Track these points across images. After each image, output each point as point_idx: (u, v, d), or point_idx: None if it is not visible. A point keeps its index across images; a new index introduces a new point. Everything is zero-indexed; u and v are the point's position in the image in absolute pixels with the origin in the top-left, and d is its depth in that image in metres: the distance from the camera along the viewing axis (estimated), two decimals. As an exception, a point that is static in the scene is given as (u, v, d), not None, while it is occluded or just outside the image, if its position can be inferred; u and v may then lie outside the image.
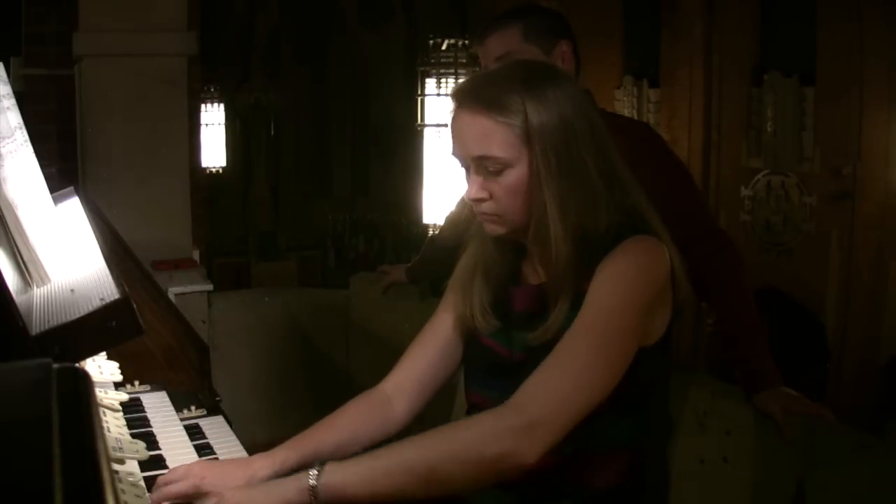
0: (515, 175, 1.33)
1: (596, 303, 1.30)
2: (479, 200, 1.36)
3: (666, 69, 7.48)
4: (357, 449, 1.43)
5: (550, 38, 1.94)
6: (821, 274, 6.17)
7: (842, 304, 6.04)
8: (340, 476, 1.21)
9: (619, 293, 1.30)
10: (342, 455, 1.37)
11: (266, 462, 1.34)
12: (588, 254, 1.33)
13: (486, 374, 1.45)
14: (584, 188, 1.33)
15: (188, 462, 1.38)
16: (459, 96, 1.37)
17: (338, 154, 10.51)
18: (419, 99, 3.66)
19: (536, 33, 1.93)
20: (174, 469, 1.32)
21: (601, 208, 1.34)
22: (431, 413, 1.55)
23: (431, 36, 4.03)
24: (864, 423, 5.19)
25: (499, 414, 1.23)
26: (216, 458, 1.49)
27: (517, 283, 1.46)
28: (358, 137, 10.45)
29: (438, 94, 3.69)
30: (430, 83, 3.83)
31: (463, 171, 1.40)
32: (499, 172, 1.33)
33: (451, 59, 3.57)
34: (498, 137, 1.32)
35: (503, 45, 1.92)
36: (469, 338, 1.50)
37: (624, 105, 7.81)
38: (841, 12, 5.84)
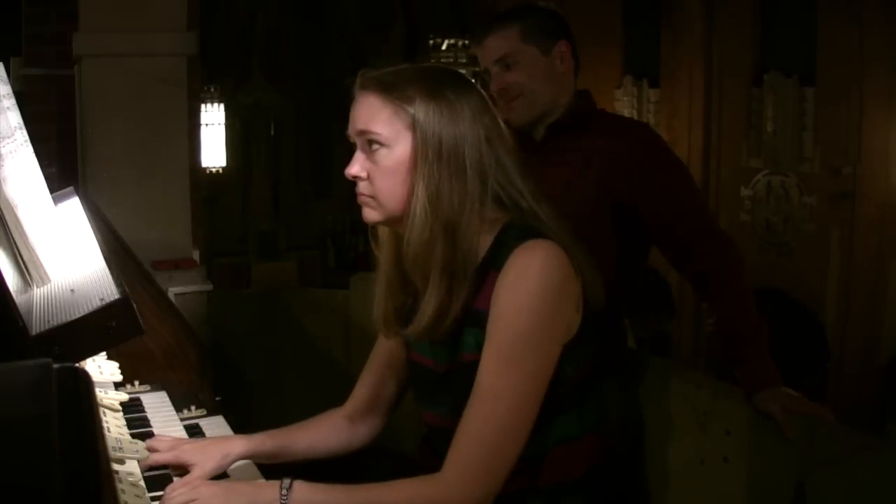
0: (391, 156, 1.33)
1: (505, 329, 1.30)
2: (356, 178, 1.37)
3: (666, 69, 7.49)
4: (324, 454, 1.55)
5: (549, 38, 1.94)
6: (821, 274, 6.18)
7: (842, 304, 6.04)
8: (307, 498, 1.28)
9: (526, 311, 1.30)
10: (313, 456, 1.52)
11: (242, 442, 1.47)
12: (463, 258, 1.33)
13: (424, 390, 1.49)
14: (459, 189, 1.33)
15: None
16: (361, 80, 1.39)
17: (338, 154, 10.51)
18: (419, 99, 3.67)
19: (535, 33, 1.93)
20: (159, 438, 1.45)
21: (474, 211, 1.33)
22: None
23: (431, 36, 4.04)
24: (864, 423, 5.19)
25: (443, 489, 1.29)
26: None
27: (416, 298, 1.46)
28: (358, 137, 10.44)
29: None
30: (430, 83, 3.84)
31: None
32: (376, 151, 1.34)
33: (451, 59, 3.57)
34: (383, 115, 1.33)
35: (502, 45, 1.92)
36: (407, 359, 1.53)
37: (624, 105, 7.81)
38: (841, 13, 5.85)
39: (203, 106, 6.57)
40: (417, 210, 1.32)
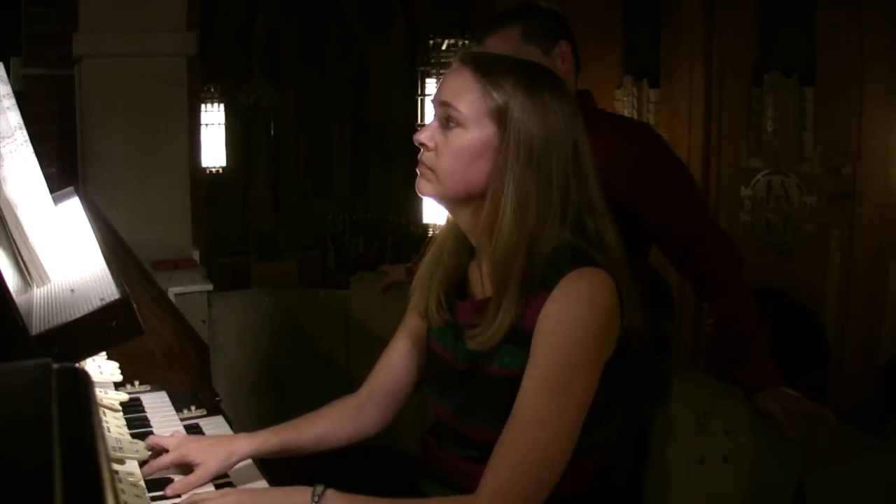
0: (465, 137, 1.31)
1: (554, 355, 1.28)
2: (423, 145, 1.35)
3: (666, 69, 7.49)
4: (334, 445, 1.53)
5: (550, 38, 1.94)
6: (821, 274, 6.18)
7: (842, 304, 6.04)
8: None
9: (575, 340, 1.28)
10: (320, 449, 1.50)
11: (247, 441, 1.45)
12: (531, 266, 1.31)
13: (439, 382, 1.47)
14: (545, 198, 1.30)
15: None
16: (463, 53, 1.38)
17: (338, 154, 10.51)
18: (419, 99, 3.66)
19: (536, 34, 1.93)
20: (166, 437, 1.44)
21: (556, 224, 1.31)
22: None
23: (431, 36, 4.04)
24: (864, 423, 5.19)
25: None
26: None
27: (463, 296, 1.46)
28: (358, 137, 10.44)
29: (438, 94, 3.69)
30: (430, 83, 3.83)
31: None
32: (452, 128, 1.32)
33: (451, 59, 3.57)
34: (470, 95, 1.31)
35: (502, 46, 1.92)
36: (426, 346, 1.52)
37: (624, 105, 7.81)
38: (841, 13, 5.84)
39: (203, 106, 6.57)
40: (507, 211, 1.29)
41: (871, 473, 1.44)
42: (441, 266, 1.46)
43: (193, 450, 1.40)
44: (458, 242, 1.45)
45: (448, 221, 1.48)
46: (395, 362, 1.57)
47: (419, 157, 1.36)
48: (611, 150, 1.87)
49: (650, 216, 1.88)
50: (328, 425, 1.53)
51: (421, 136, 1.35)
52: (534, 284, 1.30)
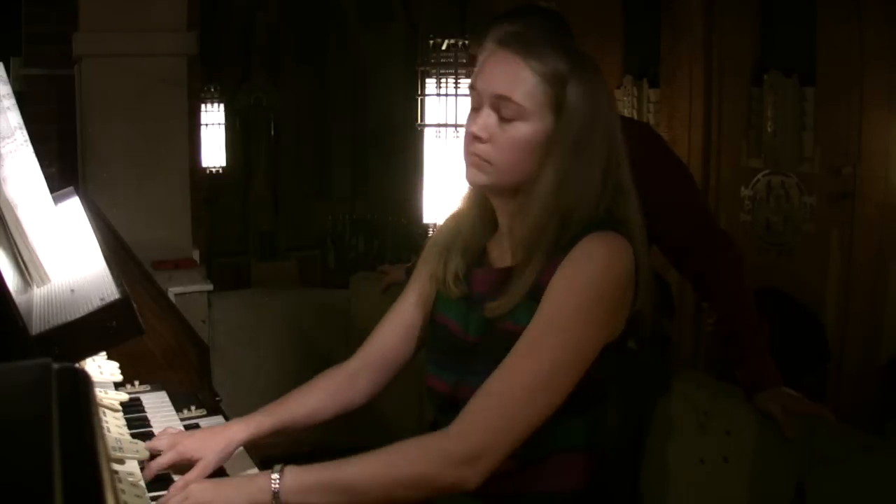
0: (525, 130, 1.30)
1: (558, 297, 1.29)
2: (477, 139, 1.32)
3: (666, 69, 7.48)
4: (326, 418, 1.51)
5: (550, 38, 1.94)
6: (821, 274, 6.17)
7: (842, 304, 6.04)
8: (299, 480, 1.25)
9: (581, 286, 1.29)
10: (313, 422, 1.49)
11: (241, 427, 1.44)
12: (558, 240, 1.32)
13: (443, 355, 1.45)
14: (585, 178, 1.31)
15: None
16: (504, 37, 1.33)
17: (338, 154, 10.50)
18: (419, 99, 3.65)
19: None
20: (159, 437, 1.42)
21: (592, 204, 1.32)
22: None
23: (431, 36, 4.03)
24: (864, 423, 5.19)
25: (444, 441, 1.25)
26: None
27: (481, 264, 1.45)
28: (358, 137, 10.44)
29: (438, 95, 3.68)
30: (430, 83, 3.82)
31: (470, 109, 1.37)
32: (510, 120, 1.30)
33: (451, 59, 3.56)
34: (527, 86, 1.29)
35: (503, 45, 1.92)
36: (430, 317, 1.51)
37: (624, 105, 7.81)
38: (841, 12, 5.84)
39: (203, 106, 6.56)
40: (541, 194, 1.29)
41: (871, 473, 1.44)
42: (460, 238, 1.45)
43: (189, 445, 1.39)
44: (482, 216, 1.44)
45: (470, 195, 1.46)
46: (394, 331, 1.55)
47: (470, 147, 1.34)
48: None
49: (650, 216, 1.87)
50: (320, 399, 1.52)
51: (476, 129, 1.32)
52: (557, 253, 1.31)
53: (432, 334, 1.50)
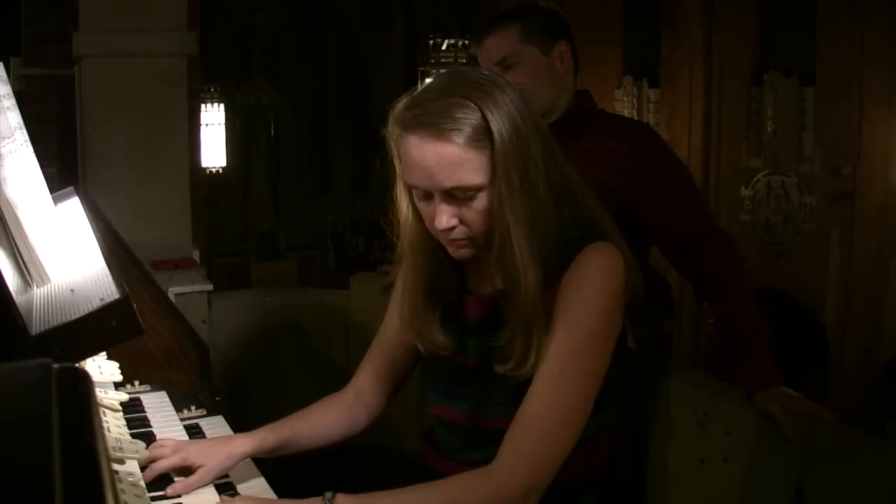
0: (487, 197, 1.30)
1: (575, 322, 1.32)
2: (451, 229, 1.33)
3: (666, 69, 7.49)
4: (327, 441, 1.54)
5: (549, 38, 1.94)
6: (821, 274, 6.18)
7: (842, 304, 6.04)
8: None
9: (594, 308, 1.32)
10: (316, 445, 1.51)
11: (245, 441, 1.45)
12: (544, 273, 1.32)
13: (446, 384, 1.47)
14: (539, 208, 1.31)
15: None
16: (410, 123, 1.31)
17: (338, 154, 10.50)
18: (419, 99, 3.66)
19: (535, 34, 1.93)
20: (163, 441, 1.43)
21: (552, 227, 1.33)
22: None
23: (431, 36, 4.04)
24: (864, 423, 5.19)
25: (497, 483, 1.28)
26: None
27: (468, 291, 1.47)
28: (358, 137, 10.44)
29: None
30: (431, 83, 3.83)
31: (417, 196, 1.36)
32: (471, 198, 1.30)
33: (451, 59, 3.57)
34: (470, 165, 1.28)
35: (502, 46, 1.92)
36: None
37: (624, 105, 7.81)
38: (841, 13, 5.84)
39: (203, 106, 6.57)
40: (523, 251, 1.29)
41: (871, 473, 1.44)
42: (426, 280, 1.44)
43: (193, 453, 1.40)
44: (430, 252, 1.43)
45: (418, 254, 1.44)
46: (382, 359, 1.58)
47: (447, 237, 1.34)
48: (611, 150, 1.88)
49: (650, 216, 1.88)
50: (320, 424, 1.54)
51: (445, 223, 1.31)
52: (552, 279, 1.33)
53: (430, 363, 1.51)
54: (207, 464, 1.40)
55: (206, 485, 1.39)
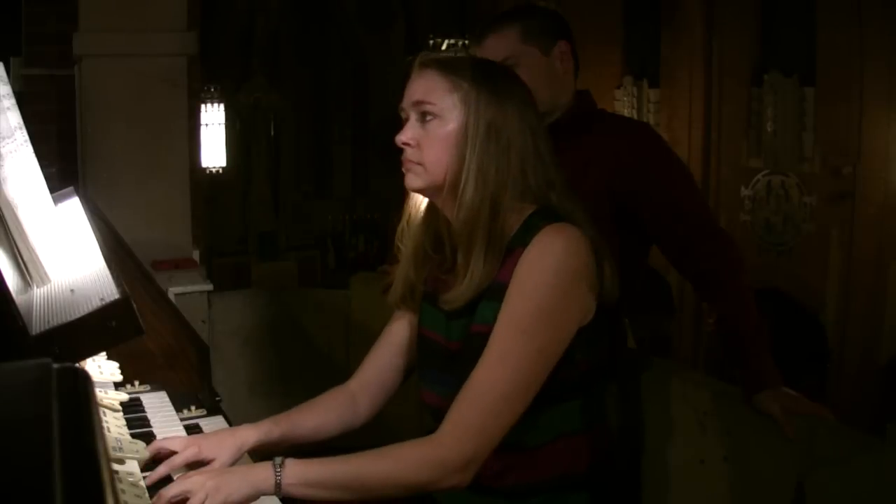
0: (444, 127, 1.41)
1: (522, 300, 1.36)
2: (406, 145, 1.43)
3: (666, 69, 7.49)
4: (330, 434, 1.58)
5: (549, 38, 1.94)
6: (821, 274, 6.18)
7: (842, 304, 6.04)
8: (300, 473, 1.31)
9: (544, 286, 1.35)
10: (317, 438, 1.56)
11: (252, 432, 1.48)
12: (499, 233, 1.40)
13: (431, 368, 1.52)
14: (502, 164, 1.40)
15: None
16: (422, 59, 1.47)
17: (338, 154, 10.50)
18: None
19: (535, 34, 1.93)
20: (170, 438, 1.44)
21: (515, 190, 1.40)
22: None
23: (431, 36, 4.03)
24: (864, 423, 5.19)
25: (441, 450, 1.34)
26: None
27: (455, 274, 1.51)
28: (358, 137, 10.44)
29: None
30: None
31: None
32: (430, 122, 1.41)
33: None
34: (439, 88, 1.41)
35: (502, 46, 1.92)
36: (418, 333, 1.57)
37: (624, 105, 7.81)
38: (841, 13, 5.85)
39: (203, 106, 6.57)
40: (469, 179, 1.39)
41: (871, 473, 1.44)
42: (417, 252, 1.53)
43: (205, 447, 1.41)
44: (429, 229, 1.52)
45: (413, 218, 1.54)
46: (389, 351, 1.62)
47: (403, 156, 1.45)
48: (611, 150, 1.88)
49: (650, 216, 1.88)
50: (323, 417, 1.57)
51: (403, 137, 1.44)
52: (502, 244, 1.40)
53: (420, 349, 1.56)
54: (220, 456, 1.41)
55: None
